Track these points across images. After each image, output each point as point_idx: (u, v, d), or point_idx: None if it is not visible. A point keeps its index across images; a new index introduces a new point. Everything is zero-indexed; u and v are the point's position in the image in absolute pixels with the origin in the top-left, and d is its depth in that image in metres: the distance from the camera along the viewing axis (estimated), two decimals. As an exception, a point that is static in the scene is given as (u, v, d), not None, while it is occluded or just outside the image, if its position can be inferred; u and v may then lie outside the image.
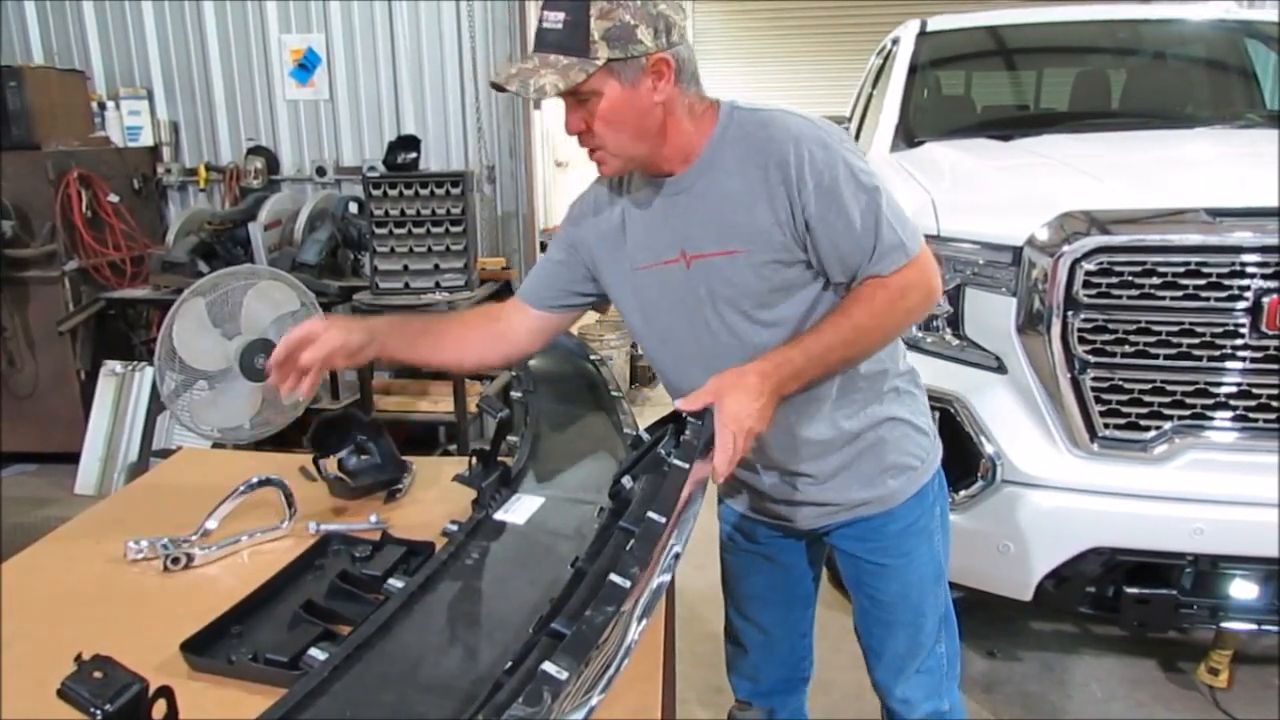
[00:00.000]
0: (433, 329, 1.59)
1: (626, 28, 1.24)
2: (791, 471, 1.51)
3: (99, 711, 0.84)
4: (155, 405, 4.07)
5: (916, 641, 1.60)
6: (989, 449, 2.28)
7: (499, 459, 1.61)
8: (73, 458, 4.19)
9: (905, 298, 1.33)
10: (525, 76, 1.26)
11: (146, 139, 4.71)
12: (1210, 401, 2.16)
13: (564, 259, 1.55)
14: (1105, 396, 2.21)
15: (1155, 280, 2.13)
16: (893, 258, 1.31)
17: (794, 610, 1.75)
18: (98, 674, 0.87)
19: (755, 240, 1.34)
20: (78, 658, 0.89)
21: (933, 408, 2.35)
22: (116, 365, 4.22)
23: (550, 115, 5.74)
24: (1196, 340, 2.13)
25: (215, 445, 3.44)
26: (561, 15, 1.25)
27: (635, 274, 1.46)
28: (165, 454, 3.86)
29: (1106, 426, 2.22)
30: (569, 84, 1.24)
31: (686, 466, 1.17)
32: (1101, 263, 2.15)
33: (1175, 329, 2.14)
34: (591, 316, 6.00)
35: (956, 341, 2.43)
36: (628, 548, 1.02)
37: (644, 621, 0.98)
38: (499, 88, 1.30)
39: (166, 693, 0.92)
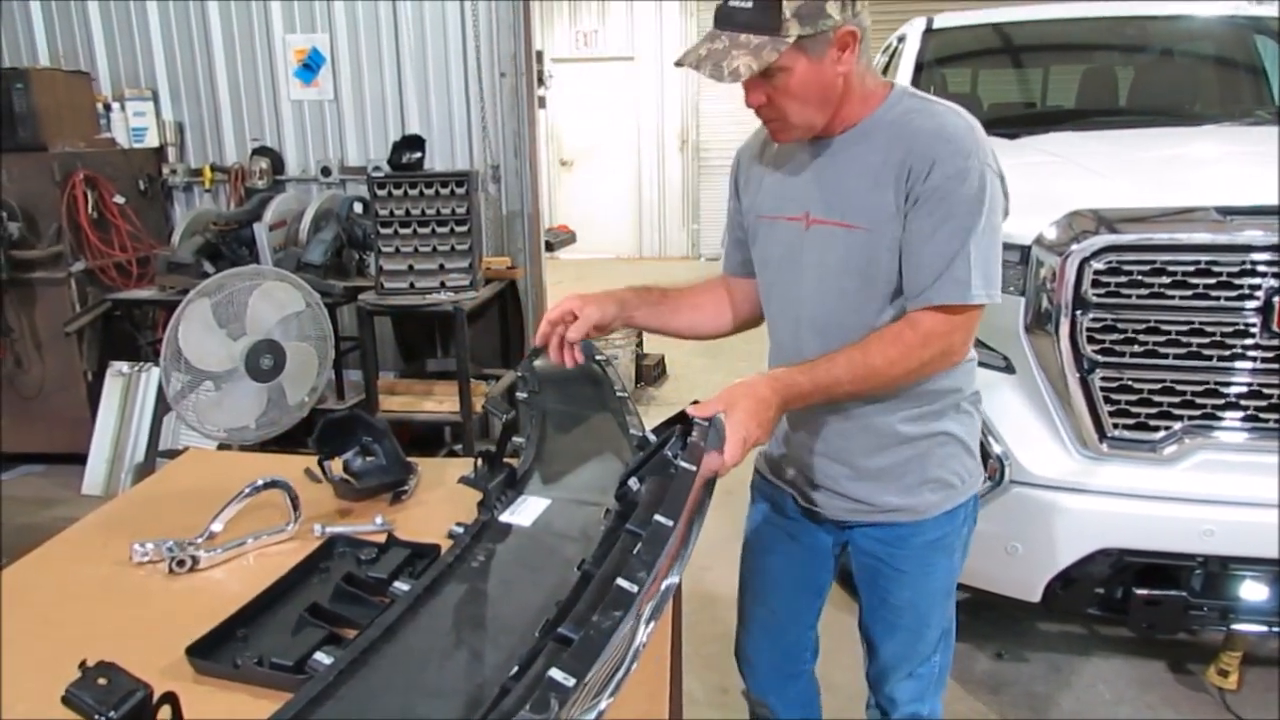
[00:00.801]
0: (670, 297, 1.63)
1: (816, 3, 1.24)
2: (836, 459, 1.52)
3: (103, 718, 0.84)
4: (162, 406, 4.08)
5: (915, 649, 1.61)
6: (997, 449, 2.27)
7: (504, 460, 1.61)
8: (80, 458, 4.19)
9: (927, 347, 1.33)
10: (717, 59, 1.25)
11: (152, 140, 4.71)
12: (1220, 401, 2.15)
13: (737, 223, 1.61)
14: (1114, 396, 2.19)
15: (1164, 279, 2.11)
16: (952, 292, 1.31)
17: (803, 596, 1.75)
18: (102, 680, 0.87)
19: (878, 222, 1.35)
20: (82, 664, 0.89)
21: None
22: (123, 366, 4.23)
23: (555, 114, 5.73)
24: (1206, 340, 2.12)
25: (221, 446, 3.45)
26: None
27: (759, 221, 1.51)
28: (172, 454, 3.87)
29: (1115, 427, 2.20)
30: (763, 64, 1.24)
31: (694, 469, 1.16)
32: (1110, 261, 2.13)
33: (1185, 328, 2.13)
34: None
35: (964, 341, 2.41)
36: (635, 551, 1.01)
37: (652, 624, 0.97)
38: (682, 65, 1.32)
39: (171, 699, 0.92)
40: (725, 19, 1.27)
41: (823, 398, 1.33)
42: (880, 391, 1.39)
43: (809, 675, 1.84)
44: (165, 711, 0.91)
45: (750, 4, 1.24)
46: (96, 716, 0.84)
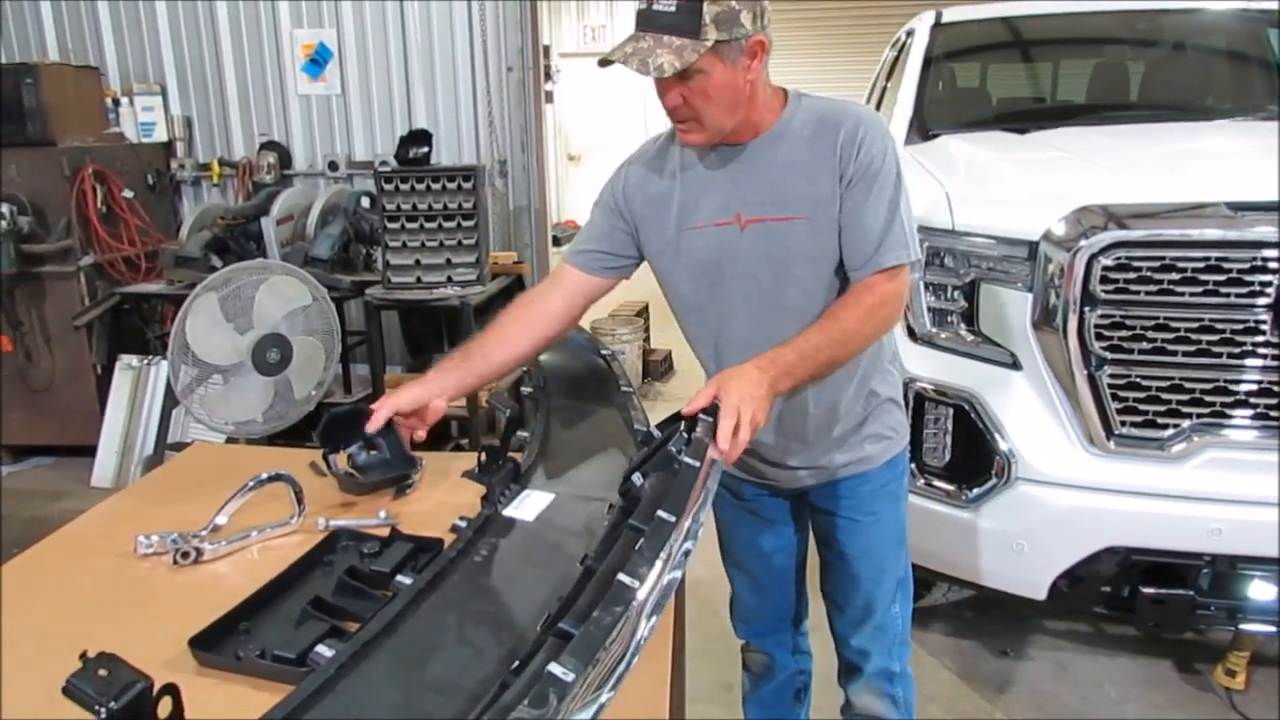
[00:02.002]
0: (472, 352, 1.65)
1: (733, 12, 1.36)
2: (790, 439, 1.64)
3: (103, 710, 0.84)
4: (170, 399, 4.10)
5: (874, 597, 1.73)
6: (1003, 446, 2.26)
7: (509, 455, 1.61)
8: (89, 451, 4.22)
9: (884, 306, 1.47)
10: (644, 55, 1.36)
11: (160, 135, 4.72)
12: (1230, 399, 2.13)
13: (606, 221, 1.64)
14: (1122, 394, 2.18)
15: (1174, 275, 2.09)
16: (896, 254, 1.46)
17: (779, 559, 1.84)
18: (102, 672, 0.87)
19: (817, 209, 1.47)
20: (83, 655, 0.89)
21: (946, 405, 2.36)
22: (132, 359, 4.25)
23: (563, 109, 5.72)
24: (1216, 337, 2.10)
25: (228, 439, 3.46)
26: (676, 0, 1.35)
27: (683, 233, 1.56)
28: (180, 447, 3.88)
29: (1123, 424, 2.19)
30: (684, 63, 1.34)
31: (697, 464, 1.16)
32: (1119, 258, 2.11)
33: (1194, 325, 2.11)
34: (603, 311, 5.99)
35: (971, 337, 2.40)
36: (637, 547, 1.01)
37: (654, 619, 0.97)
38: (606, 63, 1.40)
39: (172, 690, 0.92)
40: (649, 21, 1.37)
41: (807, 367, 1.40)
42: (855, 353, 1.49)
43: (800, 625, 1.95)
44: (166, 703, 0.91)
45: (674, 8, 1.34)
46: (97, 708, 0.84)
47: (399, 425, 1.60)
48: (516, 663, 0.98)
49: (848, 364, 1.52)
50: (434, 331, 4.69)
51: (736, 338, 1.56)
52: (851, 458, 1.66)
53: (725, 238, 1.52)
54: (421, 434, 1.61)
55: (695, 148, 1.52)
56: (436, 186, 3.82)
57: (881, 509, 1.70)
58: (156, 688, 0.90)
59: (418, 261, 3.86)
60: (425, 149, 4.03)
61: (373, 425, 1.56)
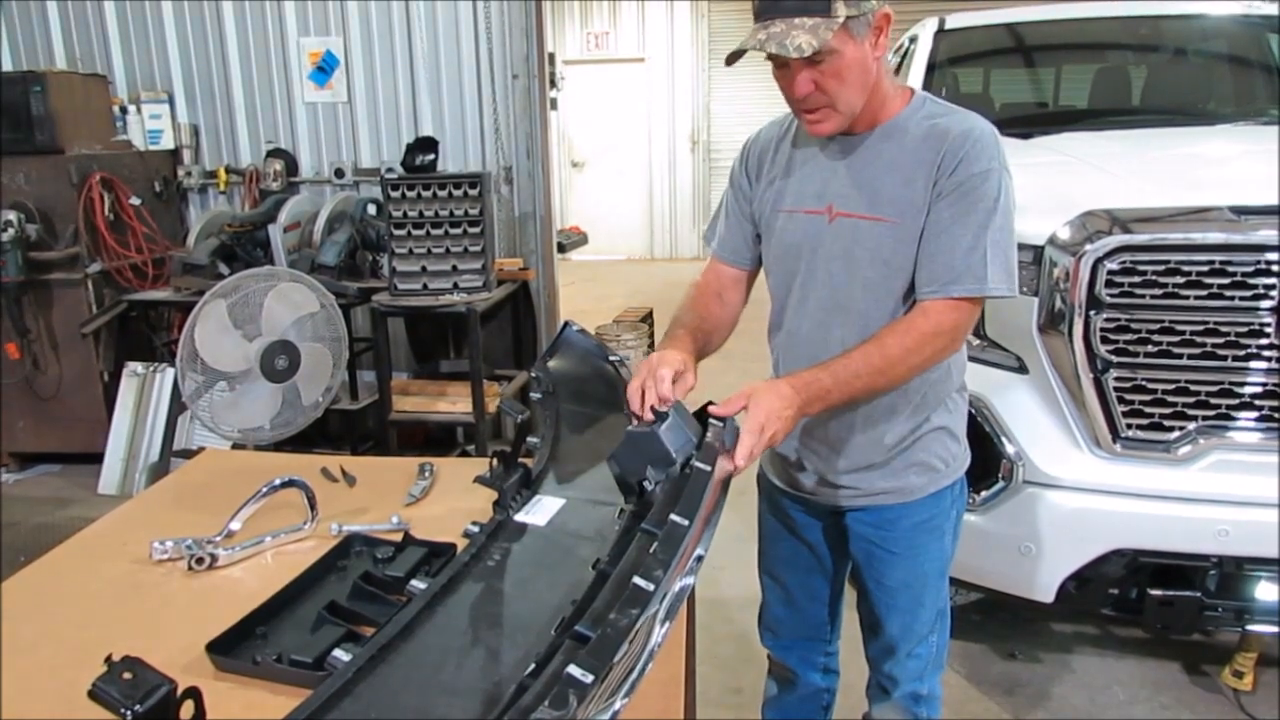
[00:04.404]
0: (702, 332, 1.57)
1: None
2: (832, 453, 1.59)
3: (129, 712, 0.85)
4: (176, 406, 4.11)
5: (911, 629, 1.67)
6: (1010, 450, 2.27)
7: (520, 460, 1.62)
8: (96, 458, 4.23)
9: (940, 337, 1.40)
10: (779, 39, 1.30)
11: (167, 142, 4.74)
12: (1235, 401, 2.14)
13: (740, 209, 1.63)
14: (1128, 397, 2.19)
15: (1179, 279, 2.11)
16: (968, 286, 1.38)
17: (814, 577, 1.80)
18: (127, 675, 0.88)
19: (906, 214, 1.41)
20: (108, 659, 0.90)
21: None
22: (138, 366, 4.26)
23: (567, 116, 5.74)
24: (1221, 340, 2.11)
25: (235, 446, 3.47)
26: None
27: (776, 214, 1.54)
28: (186, 454, 3.90)
29: (1129, 427, 2.20)
30: (821, 41, 1.28)
31: (709, 469, 1.17)
32: (1124, 262, 2.13)
33: (1199, 328, 2.12)
34: (608, 316, 6.00)
35: (977, 341, 2.42)
36: (651, 550, 1.02)
37: (668, 624, 0.98)
38: (736, 56, 1.36)
39: (194, 694, 0.93)
40: (774, 7, 1.32)
41: (842, 394, 1.36)
42: (895, 384, 1.43)
43: (827, 644, 1.89)
44: (189, 706, 0.93)
45: None
46: (123, 710, 0.85)
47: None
48: (533, 666, 0.99)
49: (909, 386, 1.48)
50: (440, 338, 4.70)
51: (801, 334, 1.54)
52: (893, 485, 1.58)
53: (813, 226, 1.49)
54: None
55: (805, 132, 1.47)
56: (443, 193, 3.84)
57: (924, 544, 1.62)
58: (179, 691, 0.91)
59: (424, 268, 3.88)
60: (431, 156, 4.05)
61: (666, 394, 1.33)
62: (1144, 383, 2.18)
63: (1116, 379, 2.18)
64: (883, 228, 1.43)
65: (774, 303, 1.63)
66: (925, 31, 3.62)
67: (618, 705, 0.87)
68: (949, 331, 1.40)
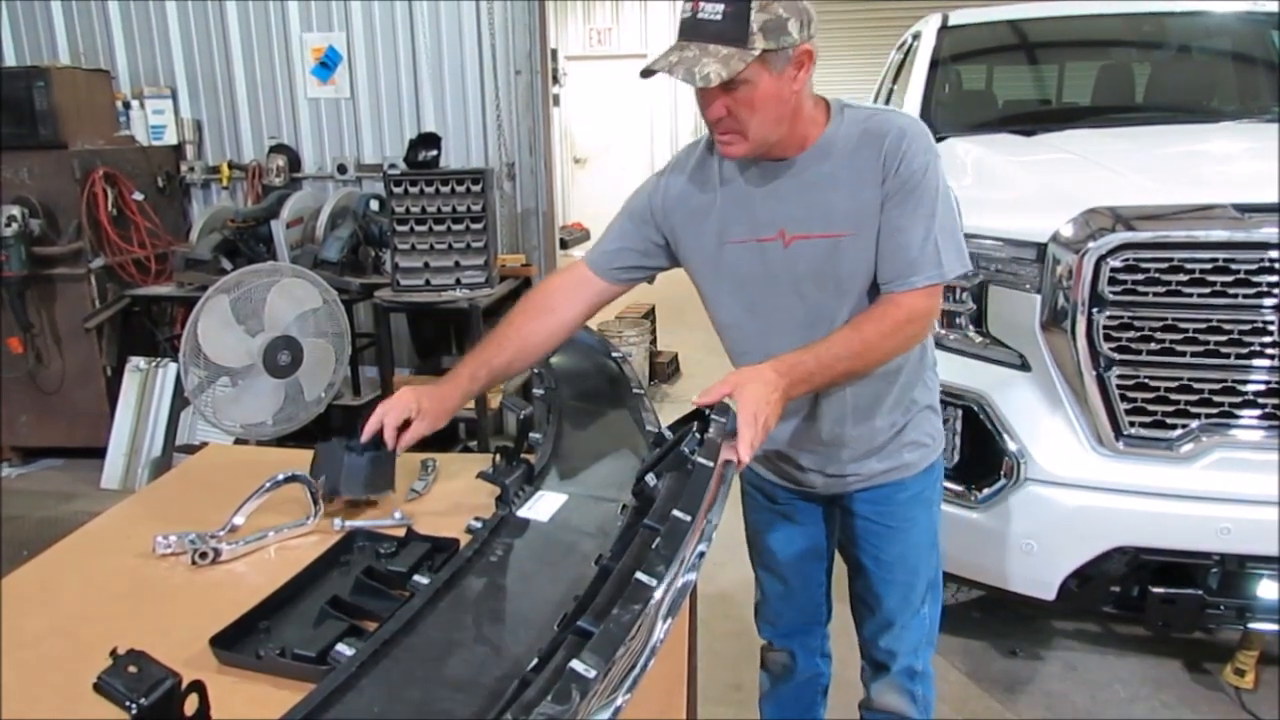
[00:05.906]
0: (501, 351, 1.63)
1: (780, 20, 1.33)
2: (828, 445, 1.62)
3: (134, 705, 0.86)
4: (179, 401, 4.12)
5: (907, 600, 1.73)
6: (1012, 447, 2.27)
7: (522, 456, 1.62)
8: (98, 453, 4.24)
9: (911, 324, 1.45)
10: (689, 65, 1.33)
11: (170, 137, 4.75)
12: (1238, 399, 2.14)
13: (636, 230, 1.62)
14: (1131, 394, 2.19)
15: (1182, 277, 2.10)
16: (929, 273, 1.43)
17: (809, 563, 1.84)
18: (132, 669, 0.88)
19: (861, 224, 1.45)
20: (113, 652, 0.91)
21: (956, 406, 2.37)
22: (141, 361, 4.27)
23: (569, 112, 5.73)
24: (1224, 337, 2.11)
25: (238, 441, 3.48)
26: (722, 7, 1.32)
27: (724, 248, 1.54)
28: (189, 449, 3.91)
29: (1132, 425, 2.20)
30: (731, 72, 1.31)
31: (711, 465, 1.17)
32: (1127, 259, 2.12)
33: (1202, 326, 2.12)
34: (610, 313, 6.00)
35: (980, 339, 2.42)
36: (654, 546, 1.02)
37: (670, 620, 0.98)
38: (649, 74, 1.40)
39: (199, 687, 0.93)
40: (694, 30, 1.35)
41: (824, 377, 1.40)
42: (873, 367, 1.48)
43: (824, 628, 1.95)
44: (192, 700, 0.93)
45: (720, 16, 1.32)
46: (128, 704, 0.86)
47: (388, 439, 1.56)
48: (536, 660, 0.99)
49: (889, 372, 1.53)
50: (442, 334, 4.71)
51: (781, 351, 1.51)
52: (891, 465, 1.64)
53: (768, 254, 1.50)
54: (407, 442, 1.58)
55: (738, 160, 1.49)
56: (445, 189, 3.84)
57: (917, 515, 1.69)
58: (184, 685, 0.92)
59: (426, 264, 3.88)
60: (434, 152, 4.05)
61: (407, 440, 1.56)
62: (1146, 380, 2.18)
63: (1119, 376, 2.18)
64: (846, 241, 1.46)
65: (731, 331, 1.62)
66: (929, 28, 3.62)
67: (620, 702, 0.87)
68: (921, 317, 1.46)
